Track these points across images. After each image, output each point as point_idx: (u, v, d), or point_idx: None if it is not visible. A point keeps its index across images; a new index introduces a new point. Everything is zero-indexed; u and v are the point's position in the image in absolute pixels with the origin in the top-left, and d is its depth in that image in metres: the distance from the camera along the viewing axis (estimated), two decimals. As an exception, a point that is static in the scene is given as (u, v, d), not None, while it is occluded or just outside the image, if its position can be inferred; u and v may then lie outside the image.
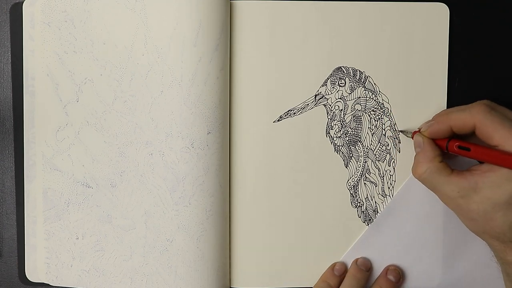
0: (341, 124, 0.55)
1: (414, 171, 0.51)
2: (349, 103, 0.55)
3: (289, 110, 0.55)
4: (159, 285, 0.55)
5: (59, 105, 0.55)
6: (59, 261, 0.56)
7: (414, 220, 0.55)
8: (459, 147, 0.49)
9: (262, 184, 0.56)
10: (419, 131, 0.53)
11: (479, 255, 0.55)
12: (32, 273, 0.57)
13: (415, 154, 0.52)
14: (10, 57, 0.56)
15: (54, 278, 0.56)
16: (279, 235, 0.56)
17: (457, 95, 0.56)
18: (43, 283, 0.57)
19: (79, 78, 0.55)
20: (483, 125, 0.47)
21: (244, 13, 0.55)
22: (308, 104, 0.55)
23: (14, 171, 0.57)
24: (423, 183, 0.51)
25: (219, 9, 0.53)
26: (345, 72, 0.55)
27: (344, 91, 0.55)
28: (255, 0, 0.54)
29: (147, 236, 0.55)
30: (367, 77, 0.55)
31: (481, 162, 0.49)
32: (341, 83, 0.55)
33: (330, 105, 0.55)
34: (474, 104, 0.49)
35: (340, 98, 0.55)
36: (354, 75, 0.55)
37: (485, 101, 0.49)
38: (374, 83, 0.55)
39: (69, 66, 0.54)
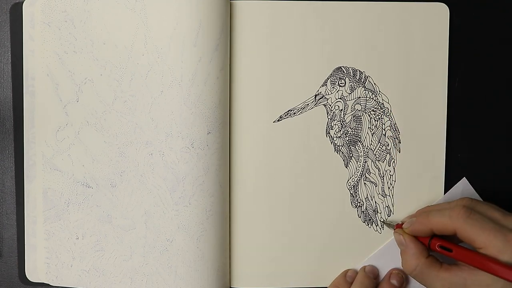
0: (341, 124, 0.55)
1: (404, 268, 0.52)
2: (349, 103, 0.55)
3: (289, 110, 0.55)
4: (159, 285, 0.55)
5: (59, 105, 0.55)
6: (59, 261, 0.56)
7: None
8: (441, 246, 0.50)
9: (262, 184, 0.56)
10: (401, 225, 0.53)
11: None
12: (32, 273, 0.57)
13: (400, 251, 0.53)
14: (10, 57, 0.56)
15: (54, 278, 0.56)
16: (279, 235, 0.56)
17: (457, 95, 0.56)
18: (43, 283, 0.57)
19: (79, 78, 0.55)
20: (464, 231, 0.47)
21: (244, 13, 0.55)
22: (308, 104, 0.55)
23: (14, 171, 0.57)
24: (415, 278, 0.51)
25: (219, 9, 0.53)
26: (345, 72, 0.55)
27: (344, 91, 0.55)
28: (255, 0, 0.54)
29: (147, 236, 0.55)
30: (367, 77, 0.55)
31: None
32: (341, 83, 0.55)
33: (330, 105, 0.55)
34: (453, 206, 0.49)
35: (340, 98, 0.55)
36: (354, 75, 0.55)
37: (464, 201, 0.49)
38: (374, 83, 0.55)
39: (69, 66, 0.54)
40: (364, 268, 0.56)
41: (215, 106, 0.53)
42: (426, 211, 0.52)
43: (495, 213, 0.48)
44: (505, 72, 0.56)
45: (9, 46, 0.56)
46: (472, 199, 0.50)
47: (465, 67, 0.55)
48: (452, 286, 0.48)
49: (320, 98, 0.55)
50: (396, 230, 0.53)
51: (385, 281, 0.55)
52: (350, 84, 0.55)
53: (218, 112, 0.53)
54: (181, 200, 0.54)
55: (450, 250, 0.49)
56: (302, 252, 0.56)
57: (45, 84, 0.55)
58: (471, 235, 0.47)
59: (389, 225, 0.55)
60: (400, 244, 0.52)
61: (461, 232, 0.47)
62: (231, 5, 0.54)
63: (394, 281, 0.55)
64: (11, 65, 0.56)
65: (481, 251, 0.47)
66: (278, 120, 0.55)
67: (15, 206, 0.57)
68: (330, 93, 0.55)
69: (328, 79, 0.55)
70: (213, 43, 0.53)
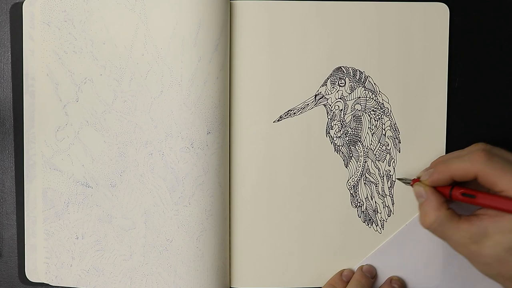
0: (341, 124, 0.55)
1: (423, 221, 0.50)
2: (349, 103, 0.55)
3: (289, 110, 0.55)
4: (159, 285, 0.55)
5: (59, 105, 0.55)
6: (59, 261, 0.56)
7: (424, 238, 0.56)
8: (464, 194, 0.49)
9: (262, 184, 0.56)
10: (418, 179, 0.53)
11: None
12: (32, 273, 0.57)
13: (418, 204, 0.52)
14: (10, 57, 0.56)
15: (53, 278, 0.56)
16: (279, 235, 0.56)
17: (457, 95, 0.56)
18: (43, 283, 0.57)
19: (79, 78, 0.55)
20: (486, 174, 0.47)
21: (244, 13, 0.55)
22: (308, 104, 0.55)
23: (14, 171, 0.57)
24: (433, 233, 0.50)
25: (219, 9, 0.53)
26: (345, 72, 0.55)
27: (344, 91, 0.55)
28: (255, 0, 0.54)
29: (146, 236, 0.55)
30: (367, 77, 0.55)
31: None
32: (341, 83, 0.55)
33: (330, 105, 0.55)
34: (472, 151, 0.49)
35: (340, 98, 0.55)
36: (354, 75, 0.55)
37: (481, 146, 0.49)
38: (374, 83, 0.55)
39: (69, 66, 0.55)
40: (361, 267, 0.56)
41: (215, 106, 0.53)
42: (443, 160, 0.51)
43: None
44: (505, 72, 0.56)
45: (9, 46, 0.56)
46: (486, 144, 0.49)
47: (465, 67, 0.55)
48: (472, 236, 0.47)
49: (320, 98, 0.55)
50: (416, 183, 0.52)
51: (386, 284, 0.55)
52: (350, 84, 0.55)
53: (218, 112, 0.53)
54: (180, 200, 0.54)
55: (473, 197, 0.48)
56: (302, 252, 0.56)
57: (45, 84, 0.55)
58: (493, 178, 0.46)
59: (404, 181, 0.55)
60: (419, 196, 0.51)
61: (483, 176, 0.47)
62: (231, 5, 0.54)
63: (395, 286, 0.55)
64: (11, 65, 0.56)
65: (503, 193, 0.46)
66: (278, 120, 0.55)
67: (15, 206, 0.57)
68: (330, 93, 0.55)
69: (328, 79, 0.55)
70: (213, 43, 0.53)
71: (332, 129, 0.55)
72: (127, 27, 0.54)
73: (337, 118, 0.55)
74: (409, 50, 0.55)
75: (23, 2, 0.55)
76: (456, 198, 0.49)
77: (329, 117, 0.55)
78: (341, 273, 0.56)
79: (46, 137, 0.55)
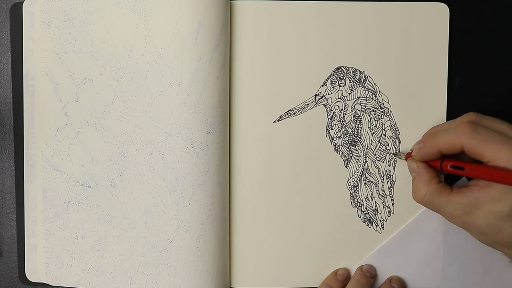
0: (341, 124, 0.55)
1: (414, 196, 0.52)
2: (349, 103, 0.55)
3: (289, 110, 0.55)
4: (159, 285, 0.55)
5: (58, 105, 0.55)
6: (59, 261, 0.56)
7: (424, 239, 0.56)
8: (453, 166, 0.49)
9: (262, 184, 0.56)
10: (410, 153, 0.53)
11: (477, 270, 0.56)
12: (32, 273, 0.57)
13: (412, 176, 0.53)
14: (10, 57, 0.56)
15: (53, 277, 0.56)
16: (279, 235, 0.56)
17: (457, 95, 0.56)
18: (43, 283, 0.57)
19: (78, 78, 0.55)
20: (471, 146, 0.47)
21: (244, 13, 0.55)
22: (308, 104, 0.55)
23: (14, 171, 0.57)
24: (425, 206, 0.51)
25: (219, 9, 0.53)
26: (345, 72, 0.55)
27: (344, 91, 0.55)
28: (255, 0, 0.54)
29: (146, 236, 0.55)
30: (367, 77, 0.55)
31: None
32: (341, 83, 0.55)
33: (330, 105, 0.55)
34: (458, 123, 0.49)
35: (340, 98, 0.55)
36: (354, 75, 0.55)
37: (470, 116, 0.49)
38: (374, 83, 0.55)
39: (69, 66, 0.55)
40: (361, 267, 0.56)
41: (215, 106, 0.53)
42: (431, 133, 0.52)
43: (502, 126, 0.48)
44: (505, 72, 0.56)
45: (9, 46, 0.56)
46: (477, 114, 0.49)
47: (465, 67, 0.55)
48: (464, 207, 0.48)
49: (320, 98, 0.55)
50: (409, 158, 0.53)
51: (386, 284, 0.55)
52: (350, 84, 0.55)
53: (218, 112, 0.53)
54: (180, 200, 0.54)
55: (462, 169, 0.49)
56: (302, 252, 0.56)
57: (45, 84, 0.55)
58: (479, 149, 0.47)
59: (399, 155, 0.55)
60: (412, 171, 0.52)
61: (469, 148, 0.47)
62: (231, 5, 0.54)
63: (395, 286, 0.55)
64: (11, 65, 0.56)
65: (491, 164, 0.47)
66: (278, 120, 0.55)
67: (15, 206, 0.57)
68: (330, 93, 0.55)
69: (328, 79, 0.55)
70: (213, 43, 0.53)
71: (332, 129, 0.55)
72: (127, 27, 0.54)
73: (337, 118, 0.55)
74: (409, 50, 0.55)
75: (23, 2, 0.55)
76: (446, 170, 0.50)
77: (329, 117, 0.55)
78: (336, 272, 0.56)
79: (46, 137, 0.55)
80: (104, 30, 0.54)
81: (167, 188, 0.54)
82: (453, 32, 0.55)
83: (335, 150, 0.56)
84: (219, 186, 0.54)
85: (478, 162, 0.49)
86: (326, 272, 0.56)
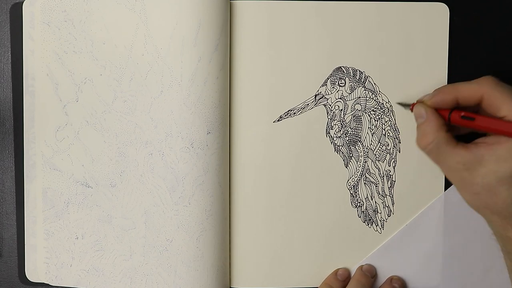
0: (341, 124, 0.55)
1: (420, 141, 0.49)
2: (349, 103, 0.55)
3: (289, 110, 0.55)
4: (159, 285, 0.55)
5: (58, 105, 0.55)
6: (59, 261, 0.56)
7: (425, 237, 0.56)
8: (463, 117, 0.48)
9: (262, 184, 0.56)
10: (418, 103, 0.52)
11: (477, 267, 0.56)
12: (32, 273, 0.57)
13: (417, 125, 0.51)
14: (10, 57, 0.56)
15: (53, 278, 0.56)
16: (279, 235, 0.56)
17: (457, 95, 0.55)
18: (43, 283, 0.57)
19: (79, 78, 0.55)
20: (492, 96, 0.47)
21: (244, 13, 0.55)
22: (308, 104, 0.55)
23: (14, 171, 0.57)
24: (428, 154, 0.49)
25: (219, 9, 0.53)
26: (345, 72, 0.55)
27: (344, 91, 0.55)
28: (255, 0, 0.54)
29: (146, 236, 0.55)
30: (367, 77, 0.55)
31: (484, 135, 0.49)
32: (341, 83, 0.55)
33: (330, 105, 0.55)
34: (481, 78, 0.48)
35: (340, 98, 0.55)
36: (354, 75, 0.55)
37: (490, 76, 0.48)
38: (374, 83, 0.55)
39: (69, 66, 0.55)
40: (361, 267, 0.56)
41: (215, 106, 0.53)
42: (449, 84, 0.51)
43: None
44: (505, 72, 0.56)
45: (9, 46, 0.56)
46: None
47: (465, 67, 0.55)
48: (467, 163, 0.47)
49: (320, 98, 0.55)
50: (418, 103, 0.51)
51: (387, 283, 0.55)
52: (350, 84, 0.55)
53: (218, 112, 0.53)
54: (180, 200, 0.54)
55: (472, 119, 0.48)
56: (302, 252, 0.56)
57: (45, 84, 0.55)
58: (498, 101, 0.46)
59: (404, 104, 0.54)
60: (419, 117, 0.50)
61: (488, 98, 0.47)
62: (231, 5, 0.54)
63: (396, 285, 0.55)
64: (11, 65, 0.56)
65: (505, 119, 0.46)
66: (278, 120, 0.55)
67: (15, 206, 0.57)
68: (330, 93, 0.55)
69: (328, 79, 0.55)
70: (213, 43, 0.53)
71: (332, 129, 0.55)
72: (127, 27, 0.54)
73: (337, 118, 0.55)
74: (409, 50, 0.55)
75: (23, 2, 0.55)
76: (455, 121, 0.49)
77: (329, 117, 0.55)
78: (336, 272, 0.56)
79: (46, 137, 0.55)
80: (104, 30, 0.54)
81: (167, 188, 0.54)
82: (453, 32, 0.55)
83: (335, 150, 0.56)
84: (219, 186, 0.54)
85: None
86: (326, 272, 0.56)
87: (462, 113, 0.48)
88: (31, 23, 0.55)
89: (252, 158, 0.55)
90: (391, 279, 0.55)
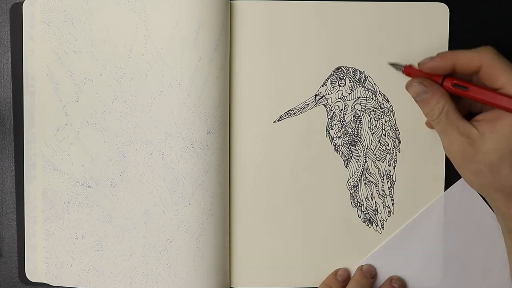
0: (341, 124, 0.55)
1: (431, 112, 0.48)
2: (349, 103, 0.55)
3: (289, 110, 0.55)
4: (159, 285, 0.55)
5: (58, 105, 0.55)
6: (59, 261, 0.56)
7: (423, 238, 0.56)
8: (456, 85, 0.48)
9: (262, 184, 0.56)
10: (410, 66, 0.51)
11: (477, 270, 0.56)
12: (32, 273, 0.57)
13: (421, 101, 0.50)
14: (10, 57, 0.56)
15: (53, 277, 0.56)
16: (279, 235, 0.56)
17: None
18: (43, 283, 0.57)
19: (78, 78, 0.55)
20: (490, 66, 0.46)
21: (244, 13, 0.55)
22: (308, 104, 0.55)
23: (14, 171, 0.57)
24: (437, 124, 0.48)
25: (219, 9, 0.53)
26: (345, 72, 0.55)
27: (344, 91, 0.55)
28: (255, 0, 0.54)
29: (146, 236, 0.55)
30: (367, 77, 0.55)
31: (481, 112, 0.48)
32: (341, 83, 0.55)
33: (330, 105, 0.55)
34: (481, 47, 0.48)
35: (340, 98, 0.55)
36: (354, 75, 0.55)
37: (491, 46, 0.48)
38: (374, 83, 0.55)
39: (69, 66, 0.55)
40: (361, 267, 0.56)
41: (215, 106, 0.53)
42: (449, 51, 0.50)
43: None
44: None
45: (9, 46, 0.56)
46: None
47: (465, 67, 0.55)
48: (472, 137, 0.46)
49: (320, 98, 0.55)
50: (412, 79, 0.50)
51: (386, 284, 0.55)
52: (350, 84, 0.55)
53: (218, 112, 0.53)
54: (180, 200, 0.54)
55: (465, 89, 0.47)
56: (302, 252, 0.56)
57: (45, 84, 0.55)
58: (496, 71, 0.46)
59: (396, 66, 0.53)
60: (423, 92, 0.49)
61: (487, 67, 0.46)
62: (231, 5, 0.54)
63: (396, 286, 0.55)
64: (11, 65, 0.56)
65: (501, 90, 0.46)
66: (278, 120, 0.55)
67: (15, 206, 0.57)
68: (330, 93, 0.55)
69: (328, 79, 0.55)
70: (213, 43, 0.53)
71: (332, 129, 0.55)
72: (127, 27, 0.54)
73: (337, 118, 0.55)
74: (409, 50, 0.55)
75: (23, 2, 0.55)
76: (446, 88, 0.48)
77: (329, 117, 0.55)
78: (336, 272, 0.56)
79: (46, 137, 0.55)
80: (104, 30, 0.54)
81: (167, 188, 0.54)
82: (453, 32, 0.55)
83: (335, 150, 0.56)
84: (219, 186, 0.54)
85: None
86: (326, 272, 0.56)
87: (455, 81, 0.48)
88: (31, 23, 0.55)
89: (252, 158, 0.55)
90: (390, 280, 0.55)
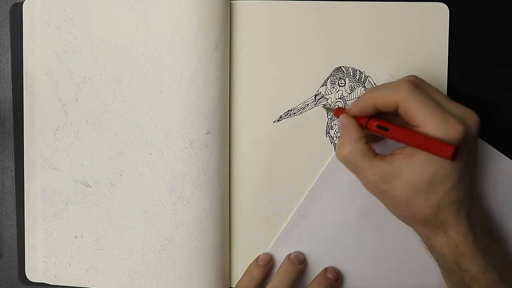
0: (341, 124, 0.55)
1: (337, 152, 0.49)
2: (349, 103, 0.55)
3: (289, 110, 0.55)
4: (158, 284, 0.55)
5: (58, 104, 0.55)
6: (58, 260, 0.56)
7: (337, 206, 0.55)
8: (378, 126, 0.47)
9: (262, 184, 0.56)
10: (342, 108, 0.51)
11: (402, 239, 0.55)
12: (32, 273, 0.57)
13: (339, 135, 0.50)
14: (10, 57, 0.56)
15: (52, 277, 0.56)
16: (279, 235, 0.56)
17: (457, 95, 0.55)
18: (44, 283, 0.57)
19: (78, 78, 0.55)
20: (406, 104, 0.45)
21: (244, 13, 0.55)
22: (308, 104, 0.55)
23: (14, 171, 0.57)
24: (346, 165, 0.49)
25: (219, 9, 0.53)
26: (345, 72, 0.55)
27: (344, 91, 0.55)
28: (255, 0, 0.55)
29: (146, 235, 0.55)
30: (367, 77, 0.55)
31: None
32: (341, 83, 0.55)
33: (330, 105, 0.55)
34: (399, 81, 0.47)
35: (340, 98, 0.55)
36: (354, 75, 0.55)
37: (411, 77, 0.47)
38: (374, 83, 0.55)
39: (69, 65, 0.55)
40: (289, 255, 0.55)
41: (215, 106, 0.53)
42: (371, 89, 0.50)
43: (441, 96, 0.46)
44: (505, 72, 0.56)
45: (9, 46, 0.56)
46: (420, 78, 0.47)
47: (465, 67, 0.55)
48: (384, 176, 0.46)
49: (320, 98, 0.55)
50: (342, 114, 0.50)
51: (321, 275, 0.55)
52: (350, 84, 0.55)
53: (218, 112, 0.53)
54: (180, 200, 0.54)
55: (386, 129, 0.47)
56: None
57: (44, 84, 0.55)
58: (412, 110, 0.45)
59: (328, 108, 0.54)
60: (342, 127, 0.49)
61: (403, 106, 0.45)
62: (231, 5, 0.54)
63: (330, 276, 0.54)
64: (11, 65, 0.56)
65: (418, 129, 0.45)
66: (278, 120, 0.55)
67: (15, 206, 0.57)
68: (330, 93, 0.55)
69: (328, 79, 0.55)
70: (213, 43, 0.53)
71: (332, 129, 0.55)
72: (127, 27, 0.54)
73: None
74: (408, 50, 0.55)
75: (23, 2, 0.55)
76: (371, 129, 0.48)
77: (329, 117, 0.55)
78: (257, 259, 0.55)
79: (46, 136, 0.55)
80: (104, 29, 0.54)
81: (166, 188, 0.54)
82: (453, 32, 0.55)
83: (335, 150, 0.56)
84: (219, 186, 0.54)
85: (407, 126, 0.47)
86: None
87: (376, 123, 0.48)
88: (31, 23, 0.55)
89: (252, 158, 0.55)
90: (325, 270, 0.55)
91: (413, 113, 0.45)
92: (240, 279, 0.55)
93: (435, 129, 0.44)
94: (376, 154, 0.47)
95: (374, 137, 0.51)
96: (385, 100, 0.47)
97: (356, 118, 0.49)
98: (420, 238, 0.49)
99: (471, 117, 0.46)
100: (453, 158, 0.43)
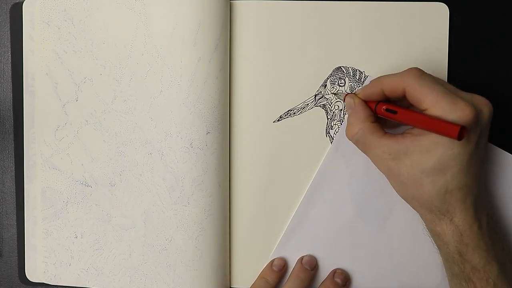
0: (341, 124, 0.55)
1: (347, 132, 0.50)
2: (357, 89, 0.55)
3: (289, 110, 0.55)
4: (158, 284, 0.55)
5: (58, 104, 0.55)
6: (57, 260, 0.56)
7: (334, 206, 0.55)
8: (387, 109, 0.48)
9: (262, 184, 0.56)
10: (353, 94, 0.52)
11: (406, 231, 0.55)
12: (32, 273, 0.57)
13: (348, 112, 0.51)
14: (10, 57, 0.56)
15: (52, 277, 0.56)
16: (279, 235, 0.56)
17: (457, 95, 0.55)
18: (44, 283, 0.57)
19: (78, 78, 0.55)
20: (413, 89, 0.46)
21: (244, 13, 0.55)
22: (308, 104, 0.55)
23: (14, 171, 0.57)
24: (356, 144, 0.50)
25: (219, 9, 0.53)
26: (345, 72, 0.55)
27: (344, 91, 0.55)
28: (255, 0, 0.55)
29: (146, 235, 0.55)
30: (367, 77, 0.55)
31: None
32: (341, 83, 0.55)
33: (330, 105, 0.55)
34: (406, 70, 0.48)
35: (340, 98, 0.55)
36: (354, 75, 0.55)
37: (416, 67, 0.48)
38: (374, 83, 0.55)
39: (69, 65, 0.55)
40: (301, 259, 0.55)
41: (215, 106, 0.53)
42: (379, 77, 0.50)
43: (450, 85, 0.47)
44: (505, 72, 0.56)
45: (9, 46, 0.56)
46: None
47: (465, 67, 0.55)
48: (392, 152, 0.47)
49: (320, 98, 0.55)
50: (348, 94, 0.52)
51: (329, 279, 0.55)
52: (350, 84, 0.55)
53: (218, 112, 0.53)
54: (180, 200, 0.54)
55: (395, 112, 0.48)
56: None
57: (44, 84, 0.55)
58: (420, 94, 0.46)
59: (339, 94, 0.54)
60: (349, 107, 0.51)
61: (410, 91, 0.46)
62: (231, 5, 0.54)
63: (338, 280, 0.54)
64: (11, 65, 0.56)
65: (427, 112, 0.46)
66: (278, 120, 0.55)
67: (15, 206, 0.57)
68: (330, 93, 0.55)
69: (328, 79, 0.55)
70: (213, 43, 0.53)
71: (332, 129, 0.55)
72: (127, 26, 0.54)
73: (337, 118, 0.55)
74: (408, 50, 0.55)
75: (23, 2, 0.55)
76: (380, 113, 0.49)
77: (329, 117, 0.55)
78: (271, 263, 0.55)
79: (45, 136, 0.55)
80: (104, 29, 0.54)
81: (166, 188, 0.54)
82: (453, 32, 0.55)
83: (335, 150, 0.56)
84: (219, 186, 0.54)
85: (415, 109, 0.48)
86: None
87: (384, 106, 0.49)
88: (31, 23, 0.55)
89: (252, 158, 0.55)
90: (333, 273, 0.55)
91: (421, 97, 0.46)
92: (254, 283, 0.55)
93: (443, 110, 0.45)
94: (385, 132, 0.48)
95: (383, 122, 0.51)
96: (392, 86, 0.48)
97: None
98: (424, 224, 0.49)
99: (482, 102, 0.47)
100: (460, 137, 0.43)
